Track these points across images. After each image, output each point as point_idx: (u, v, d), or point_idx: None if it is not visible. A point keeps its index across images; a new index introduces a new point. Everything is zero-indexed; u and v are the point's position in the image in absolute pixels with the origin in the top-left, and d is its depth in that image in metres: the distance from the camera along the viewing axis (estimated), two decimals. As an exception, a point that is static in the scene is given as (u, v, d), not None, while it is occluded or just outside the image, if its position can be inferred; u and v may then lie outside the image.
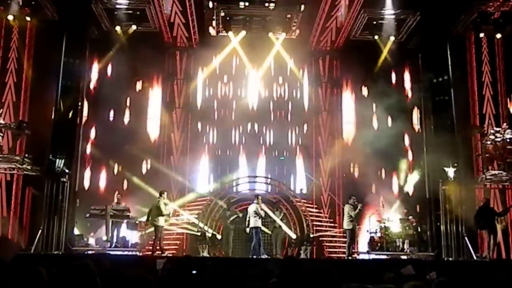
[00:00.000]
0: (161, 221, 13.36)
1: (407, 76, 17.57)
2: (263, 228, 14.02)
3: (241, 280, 3.88)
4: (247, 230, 13.71)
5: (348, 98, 18.03)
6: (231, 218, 14.93)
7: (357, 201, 13.79)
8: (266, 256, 13.41)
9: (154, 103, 17.62)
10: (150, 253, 13.68)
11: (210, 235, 15.21)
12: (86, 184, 16.10)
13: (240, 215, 14.80)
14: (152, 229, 13.72)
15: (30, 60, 15.12)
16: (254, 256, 13.11)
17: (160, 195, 13.65)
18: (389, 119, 17.14)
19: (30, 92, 14.98)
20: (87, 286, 2.64)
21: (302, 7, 15.91)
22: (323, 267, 3.27)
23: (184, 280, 4.32)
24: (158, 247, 13.32)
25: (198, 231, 15.10)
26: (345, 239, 14.29)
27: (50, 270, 3.73)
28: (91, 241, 14.61)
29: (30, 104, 14.93)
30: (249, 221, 13.63)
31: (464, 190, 14.03)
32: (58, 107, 14.36)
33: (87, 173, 16.24)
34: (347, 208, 13.84)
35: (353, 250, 14.01)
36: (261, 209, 13.65)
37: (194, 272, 4.51)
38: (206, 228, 15.09)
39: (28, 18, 14.97)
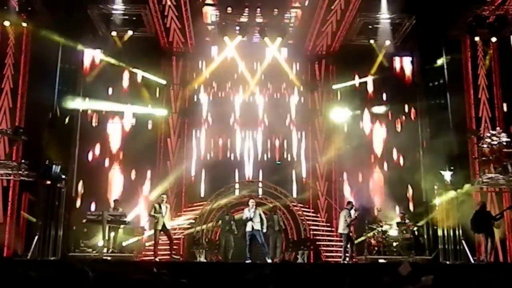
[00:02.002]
0: (156, 225, 13.34)
1: (402, 81, 17.58)
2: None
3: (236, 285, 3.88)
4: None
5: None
6: (229, 222, 14.82)
7: (354, 208, 14.06)
8: (249, 260, 13.34)
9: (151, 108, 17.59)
10: (148, 258, 13.71)
11: (206, 239, 15.23)
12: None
13: (245, 216, 14.70)
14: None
15: (26, 66, 15.10)
16: (248, 261, 13.14)
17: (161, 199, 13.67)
18: (385, 123, 17.22)
19: (26, 98, 14.95)
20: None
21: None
22: (313, 271, 3.27)
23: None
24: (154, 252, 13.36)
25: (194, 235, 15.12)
26: (341, 243, 14.42)
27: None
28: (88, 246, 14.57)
29: (26, 110, 14.90)
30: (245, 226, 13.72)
31: (461, 194, 14.07)
32: (55, 113, 14.37)
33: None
34: (344, 213, 14.03)
35: (352, 254, 14.05)
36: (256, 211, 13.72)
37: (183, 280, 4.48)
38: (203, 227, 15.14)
39: (24, 24, 14.97)
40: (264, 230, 13.75)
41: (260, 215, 13.59)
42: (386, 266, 12.37)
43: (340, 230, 14.05)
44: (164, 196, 13.84)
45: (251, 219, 13.39)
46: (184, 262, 13.81)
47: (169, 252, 14.01)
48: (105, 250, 13.42)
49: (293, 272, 3.38)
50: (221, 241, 14.60)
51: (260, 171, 17.44)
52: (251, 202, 13.90)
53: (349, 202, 14.52)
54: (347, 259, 13.73)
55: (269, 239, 14.24)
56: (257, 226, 13.48)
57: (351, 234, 14.07)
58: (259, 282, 4.26)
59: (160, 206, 13.27)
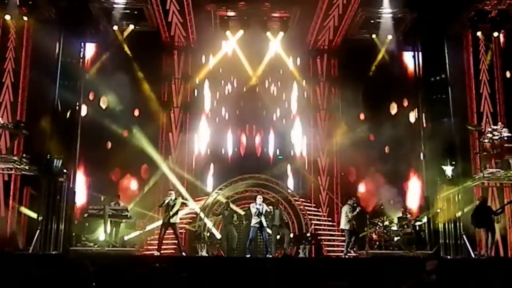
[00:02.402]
0: (164, 219, 13.38)
1: (404, 75, 17.53)
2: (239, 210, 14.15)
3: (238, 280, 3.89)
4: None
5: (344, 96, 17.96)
6: (230, 217, 14.80)
7: (356, 203, 14.12)
8: (249, 255, 13.34)
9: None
10: (150, 252, 13.73)
11: (208, 234, 15.26)
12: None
13: (242, 212, 14.67)
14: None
15: (27, 60, 15.08)
16: (248, 255, 13.17)
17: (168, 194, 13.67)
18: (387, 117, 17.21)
19: (27, 92, 14.94)
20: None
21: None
22: (310, 265, 3.28)
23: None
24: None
25: (196, 229, 15.16)
26: (343, 238, 14.46)
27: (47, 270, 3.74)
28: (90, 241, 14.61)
29: (27, 104, 14.89)
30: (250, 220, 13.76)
31: (462, 189, 14.09)
32: (56, 107, 14.39)
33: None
34: (345, 208, 14.08)
35: (353, 248, 14.10)
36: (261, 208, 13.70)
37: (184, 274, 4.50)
38: (206, 221, 15.17)
39: (25, 18, 14.94)
40: (277, 223, 13.83)
41: (266, 211, 13.62)
42: (388, 261, 12.41)
43: (342, 226, 14.18)
44: (172, 191, 13.81)
45: (259, 215, 13.39)
46: (185, 256, 13.82)
47: (172, 247, 14.07)
48: (106, 244, 13.45)
49: (296, 266, 3.39)
50: (223, 236, 14.58)
51: (262, 165, 17.43)
52: (259, 198, 13.87)
53: (351, 198, 14.57)
54: (351, 252, 13.77)
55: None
56: (264, 223, 13.52)
57: (355, 227, 14.10)
58: (261, 276, 4.28)
59: (167, 201, 13.25)
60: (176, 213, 13.21)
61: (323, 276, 3.59)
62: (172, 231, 13.34)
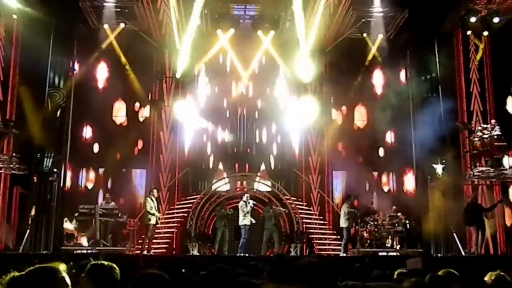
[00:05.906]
0: (151, 219, 13.31)
1: (395, 74, 17.60)
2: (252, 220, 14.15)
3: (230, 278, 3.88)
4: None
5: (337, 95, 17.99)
6: (223, 215, 14.79)
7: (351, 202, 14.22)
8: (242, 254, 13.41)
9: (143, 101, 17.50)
10: (139, 252, 13.68)
11: (198, 232, 15.26)
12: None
13: (246, 210, 14.67)
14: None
15: (17, 58, 14.96)
16: (242, 254, 13.21)
17: (150, 193, 13.69)
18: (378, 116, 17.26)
19: (17, 91, 14.82)
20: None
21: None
22: (317, 264, 3.27)
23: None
24: (146, 246, 13.34)
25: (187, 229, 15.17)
26: (334, 237, 14.52)
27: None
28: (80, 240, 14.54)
29: (17, 103, 14.77)
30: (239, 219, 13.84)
31: (452, 187, 14.16)
32: (46, 106, 14.28)
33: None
34: (344, 206, 14.06)
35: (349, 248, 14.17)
36: (249, 205, 13.80)
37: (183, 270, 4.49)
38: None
39: (15, 16, 14.81)
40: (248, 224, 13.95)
41: (245, 210, 13.79)
42: (384, 258, 12.53)
43: (342, 224, 14.18)
44: (155, 190, 13.85)
45: (249, 213, 13.54)
46: (177, 255, 13.81)
47: (162, 246, 14.04)
48: (97, 243, 13.39)
49: (287, 265, 3.38)
50: (217, 235, 14.52)
51: (253, 164, 17.42)
52: (246, 196, 13.95)
53: (348, 196, 14.57)
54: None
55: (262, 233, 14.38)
56: (246, 221, 13.68)
57: (353, 226, 14.16)
58: (253, 274, 4.28)
59: (153, 201, 13.30)
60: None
61: (316, 275, 3.59)
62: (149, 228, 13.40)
